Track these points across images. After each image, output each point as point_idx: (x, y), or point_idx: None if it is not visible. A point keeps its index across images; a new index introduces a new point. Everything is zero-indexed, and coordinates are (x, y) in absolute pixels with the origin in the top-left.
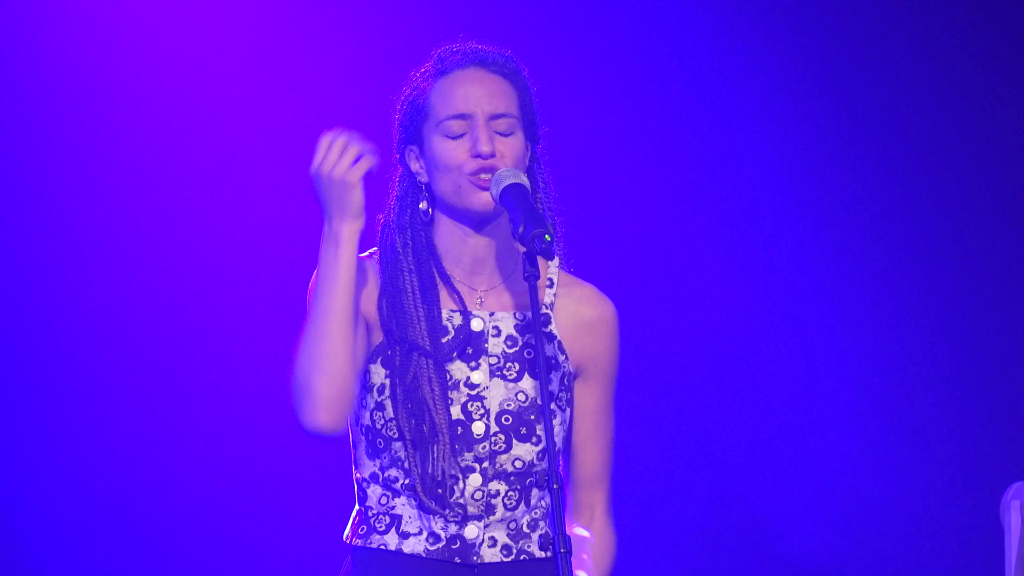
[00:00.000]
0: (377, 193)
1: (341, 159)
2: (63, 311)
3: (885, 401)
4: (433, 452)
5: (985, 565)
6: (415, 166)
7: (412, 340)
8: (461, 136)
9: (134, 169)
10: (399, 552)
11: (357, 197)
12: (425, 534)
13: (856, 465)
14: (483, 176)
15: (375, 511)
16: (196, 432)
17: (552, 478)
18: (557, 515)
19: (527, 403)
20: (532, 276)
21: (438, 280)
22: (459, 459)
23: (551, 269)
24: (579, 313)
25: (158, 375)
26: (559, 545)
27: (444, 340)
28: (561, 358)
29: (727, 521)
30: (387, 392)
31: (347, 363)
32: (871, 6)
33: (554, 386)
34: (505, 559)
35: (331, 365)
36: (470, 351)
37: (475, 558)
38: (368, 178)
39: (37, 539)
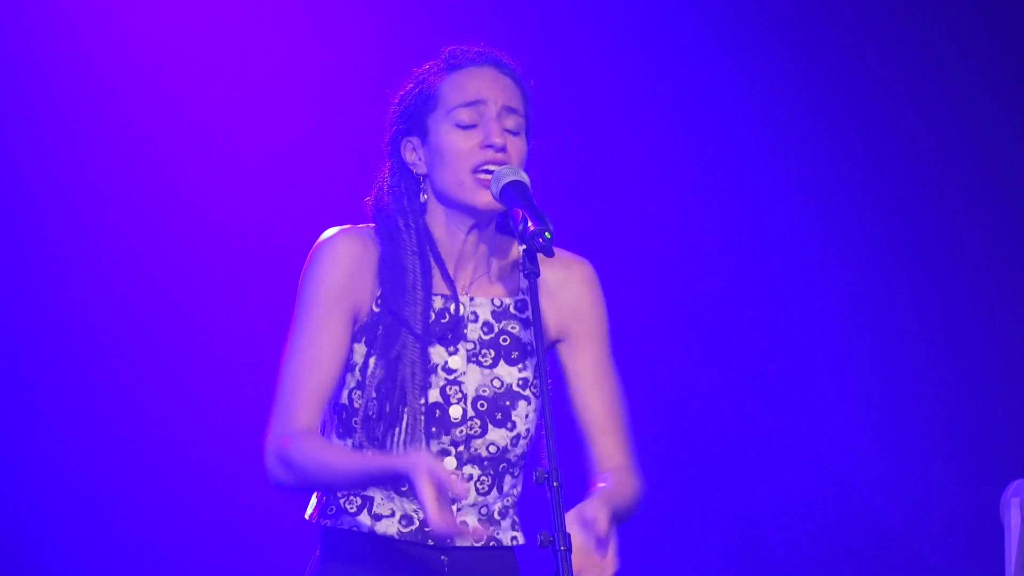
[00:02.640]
0: (358, 183)
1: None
2: (62, 311)
3: (885, 400)
4: (394, 435)
5: (985, 563)
6: (411, 157)
7: (405, 318)
8: (471, 128)
9: (133, 169)
10: (371, 533)
11: None
12: (398, 516)
13: (856, 463)
14: (490, 168)
15: (345, 492)
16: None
17: (552, 475)
18: (557, 512)
19: (502, 389)
20: (532, 274)
21: (433, 264)
22: (437, 441)
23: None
24: (552, 277)
25: (143, 371)
26: (559, 543)
27: (430, 323)
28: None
29: (726, 520)
30: (369, 372)
31: None
32: (871, 6)
33: (528, 372)
34: (475, 543)
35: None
36: (449, 336)
37: (447, 540)
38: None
39: (36, 539)
